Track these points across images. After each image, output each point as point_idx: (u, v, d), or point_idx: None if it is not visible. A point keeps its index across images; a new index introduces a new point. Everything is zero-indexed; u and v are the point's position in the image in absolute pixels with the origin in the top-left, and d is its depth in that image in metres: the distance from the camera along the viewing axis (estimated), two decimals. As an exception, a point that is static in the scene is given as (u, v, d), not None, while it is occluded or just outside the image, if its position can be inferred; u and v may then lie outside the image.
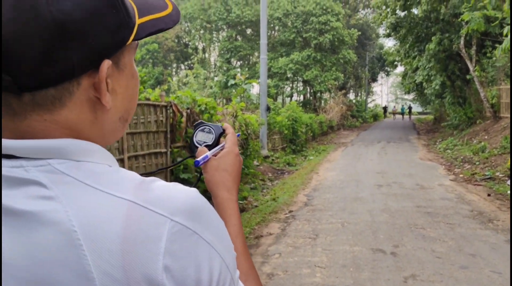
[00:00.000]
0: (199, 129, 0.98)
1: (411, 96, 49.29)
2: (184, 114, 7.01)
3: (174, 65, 56.92)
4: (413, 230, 6.26)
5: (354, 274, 4.65)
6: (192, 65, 40.90)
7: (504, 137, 13.98)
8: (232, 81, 15.37)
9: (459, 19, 12.91)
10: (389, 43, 74.47)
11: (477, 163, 12.66)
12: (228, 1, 42.95)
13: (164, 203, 0.58)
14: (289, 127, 18.21)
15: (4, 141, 0.56)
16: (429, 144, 20.73)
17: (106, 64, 0.60)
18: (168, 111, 6.55)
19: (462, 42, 18.60)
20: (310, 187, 9.79)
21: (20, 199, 0.54)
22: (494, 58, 16.74)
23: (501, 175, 10.33)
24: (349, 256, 5.17)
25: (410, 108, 50.83)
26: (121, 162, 5.42)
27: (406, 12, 21.94)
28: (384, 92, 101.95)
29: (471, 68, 18.52)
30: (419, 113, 64.94)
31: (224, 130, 0.98)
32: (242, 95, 14.91)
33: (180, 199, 0.59)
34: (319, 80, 35.42)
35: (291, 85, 41.79)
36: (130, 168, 5.60)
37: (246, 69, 39.16)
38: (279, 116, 18.18)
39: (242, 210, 7.65)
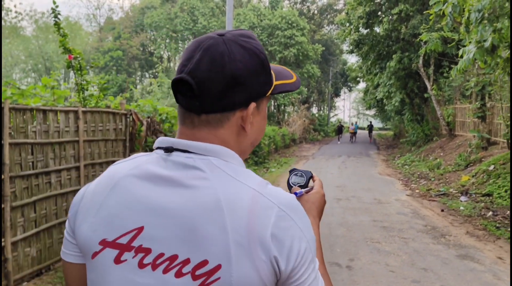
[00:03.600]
0: (293, 174, 1.31)
1: (372, 112, 50.24)
2: (145, 122, 6.91)
3: (139, 73, 56.25)
4: (369, 244, 6.36)
5: (309, 287, 4.66)
6: (156, 73, 40.46)
7: (459, 154, 14.46)
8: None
9: (418, 39, 13.34)
10: (352, 59, 76.10)
11: (433, 179, 13.03)
12: (195, 12, 42.93)
13: (275, 196, 0.86)
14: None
15: (184, 141, 0.89)
16: (388, 160, 21.19)
17: (252, 105, 0.92)
18: (128, 119, 6.45)
19: (421, 61, 19.20)
20: (270, 200, 9.78)
21: (189, 177, 0.85)
22: (450, 78, 17.35)
23: (454, 191, 10.66)
24: (305, 269, 5.19)
25: (370, 127, 39.48)
26: (76, 170, 5.28)
27: (368, 30, 22.54)
28: (347, 107, 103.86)
29: (428, 87, 19.13)
30: (380, 129, 66.38)
31: (312, 175, 1.30)
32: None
33: (284, 197, 0.87)
34: (283, 94, 35.73)
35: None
36: (86, 176, 5.48)
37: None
38: (242, 127, 18.18)
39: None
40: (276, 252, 0.81)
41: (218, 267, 0.79)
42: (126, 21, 54.32)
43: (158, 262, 0.82)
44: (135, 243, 0.83)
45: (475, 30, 8.35)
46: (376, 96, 26.67)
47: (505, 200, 8.86)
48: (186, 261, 0.81)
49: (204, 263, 0.80)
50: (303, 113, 35.45)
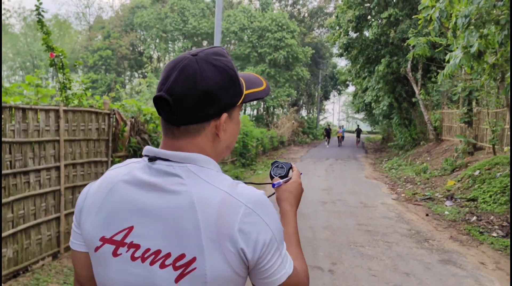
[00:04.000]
0: (275, 165, 1.46)
1: (361, 115, 50.42)
2: (128, 123, 6.83)
3: (128, 73, 55.85)
4: (352, 247, 6.34)
5: (291, 291, 4.62)
6: (146, 73, 40.27)
7: (445, 159, 14.53)
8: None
9: (406, 44, 13.39)
10: (342, 63, 76.40)
11: (419, 183, 13.07)
12: (185, 12, 42.77)
13: (243, 196, 0.99)
14: (239, 141, 18.21)
15: (165, 151, 1.03)
16: (375, 163, 21.25)
17: (224, 116, 1.05)
18: (111, 119, 6.36)
19: (409, 66, 19.30)
20: (255, 202, 9.73)
21: (169, 183, 0.99)
22: (438, 83, 17.46)
23: (440, 196, 10.69)
24: (288, 273, 5.14)
25: (358, 131, 36.48)
26: (57, 169, 5.19)
27: (358, 33, 22.61)
28: (336, 110, 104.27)
29: (416, 91, 19.23)
30: (368, 133, 66.65)
31: (291, 166, 1.44)
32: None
33: (252, 195, 1.00)
34: (272, 96, 35.75)
35: (245, 99, 41.89)
36: (67, 177, 5.38)
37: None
38: (230, 129, 18.11)
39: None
40: (243, 244, 0.95)
41: (194, 259, 0.94)
42: (116, 20, 53.97)
43: (146, 255, 0.97)
44: (128, 240, 0.99)
45: (462, 36, 8.39)
46: (365, 100, 26.76)
47: (489, 205, 8.90)
48: (168, 255, 0.96)
49: (182, 256, 0.95)
50: (292, 115, 35.45)
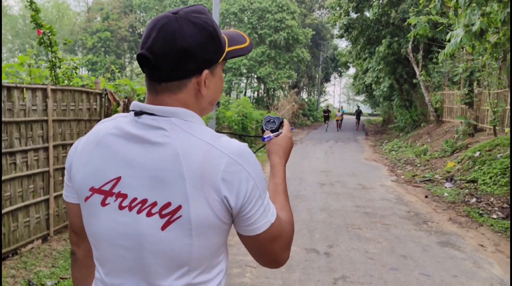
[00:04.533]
0: (267, 120, 1.48)
1: (362, 97, 50.07)
2: (121, 103, 6.67)
3: (128, 55, 55.41)
4: (350, 230, 6.23)
5: (285, 274, 4.53)
6: (144, 55, 39.76)
7: (445, 141, 14.38)
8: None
9: (406, 23, 13.14)
10: (343, 44, 75.66)
11: (419, 165, 12.95)
12: (185, -7, 42.21)
13: (225, 147, 1.02)
14: (238, 123, 18.05)
15: (150, 106, 1.05)
16: (375, 145, 21.11)
17: (205, 72, 1.08)
18: (103, 99, 6.21)
19: (410, 46, 19.02)
20: (253, 184, 9.63)
21: (154, 136, 1.02)
22: (439, 64, 17.20)
23: (439, 178, 10.58)
24: (282, 255, 5.04)
25: (358, 113, 35.30)
26: (45, 150, 5.05)
27: (358, 14, 22.26)
28: (337, 92, 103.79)
29: (417, 72, 18.98)
30: (369, 115, 66.35)
31: (282, 121, 1.48)
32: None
33: (234, 146, 1.03)
34: (272, 77, 35.47)
35: (245, 81, 41.65)
36: (56, 158, 5.26)
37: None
38: (229, 111, 17.98)
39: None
40: (226, 192, 0.99)
41: (179, 207, 0.98)
42: (115, 2, 53.33)
43: (133, 204, 1.01)
44: (115, 190, 1.03)
45: (464, 14, 8.18)
46: (365, 81, 26.47)
47: (489, 186, 8.79)
48: (154, 204, 1.00)
49: (168, 204, 0.99)
50: (292, 97, 35.19)
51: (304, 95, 54.11)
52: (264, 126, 1.47)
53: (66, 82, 5.95)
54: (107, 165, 1.05)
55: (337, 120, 31.92)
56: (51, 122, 5.02)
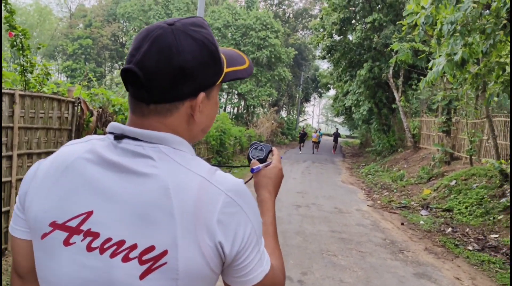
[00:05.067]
0: (254, 147, 1.32)
1: (340, 119, 50.44)
2: (95, 113, 6.41)
3: (109, 64, 54.84)
4: (325, 256, 6.05)
5: (256, 303, 4.30)
6: (125, 65, 39.41)
7: (422, 167, 14.43)
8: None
9: (389, 49, 13.22)
10: (324, 66, 76.38)
11: (395, 190, 12.92)
12: (170, 6, 42.21)
13: (222, 183, 0.88)
14: (216, 138, 17.83)
15: (134, 129, 0.90)
16: (352, 168, 21.12)
17: (202, 95, 0.93)
18: (76, 108, 5.94)
19: (390, 71, 19.21)
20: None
21: (138, 165, 0.86)
22: (418, 91, 17.39)
23: (415, 204, 10.53)
24: (254, 282, 4.82)
25: (336, 135, 32.59)
26: (8, 159, 4.76)
27: (341, 37, 22.44)
28: (316, 113, 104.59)
29: (397, 98, 19.14)
30: (347, 137, 66.87)
31: (271, 149, 1.32)
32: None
33: (232, 183, 0.89)
34: (253, 95, 35.47)
35: (225, 96, 41.54)
36: (20, 167, 4.96)
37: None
38: (207, 126, 17.75)
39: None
40: (222, 237, 0.84)
41: (165, 252, 0.81)
42: (98, 9, 52.97)
43: (106, 246, 0.83)
44: (84, 227, 0.84)
45: (446, 43, 8.22)
46: (345, 104, 26.63)
47: (465, 216, 8.75)
48: (133, 247, 0.82)
49: (151, 248, 0.82)
50: (271, 115, 35.19)
51: (283, 113, 54.25)
52: (250, 154, 1.32)
53: (38, 87, 5.67)
54: (76, 196, 0.86)
55: (313, 142, 30.04)
56: (16, 130, 4.74)
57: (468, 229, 8.03)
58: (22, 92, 4.81)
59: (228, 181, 0.89)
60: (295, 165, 19.88)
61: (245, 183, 1.46)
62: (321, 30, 23.21)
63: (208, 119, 1.00)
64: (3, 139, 4.64)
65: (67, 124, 5.78)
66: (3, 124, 4.57)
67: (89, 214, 0.85)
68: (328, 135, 57.89)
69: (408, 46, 11.97)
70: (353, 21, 21.98)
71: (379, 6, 20.75)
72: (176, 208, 0.82)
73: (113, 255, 0.83)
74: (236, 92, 38.14)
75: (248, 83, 35.09)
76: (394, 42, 13.51)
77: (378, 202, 11.30)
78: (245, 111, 39.51)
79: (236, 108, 42.34)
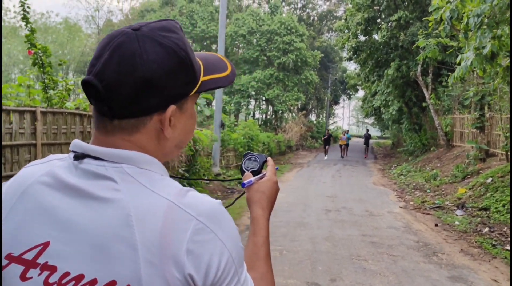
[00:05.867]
0: (247, 158, 1.22)
1: (371, 120, 49.78)
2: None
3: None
4: (355, 262, 5.89)
5: (283, 312, 4.21)
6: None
7: (456, 166, 14.01)
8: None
9: (415, 46, 12.94)
10: (352, 67, 75.65)
11: (428, 190, 12.57)
12: (194, 16, 42.61)
13: (193, 207, 0.78)
14: (244, 145, 17.84)
15: (96, 147, 0.81)
16: (384, 169, 20.74)
17: (171, 109, 0.83)
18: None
19: (419, 69, 18.80)
20: (256, 209, 9.33)
21: (99, 188, 0.77)
22: (449, 88, 16.94)
23: (450, 204, 10.20)
24: (281, 290, 4.73)
25: (367, 137, 28.87)
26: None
27: (367, 37, 22.15)
28: (346, 115, 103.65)
29: (427, 96, 18.70)
30: (378, 138, 65.92)
31: (266, 159, 1.21)
32: (196, 109, 14.45)
33: (205, 206, 0.79)
34: (280, 100, 35.37)
35: (254, 103, 41.61)
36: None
37: (209, 84, 38.73)
38: (235, 133, 17.79)
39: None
40: (192, 269, 0.75)
41: None
42: (125, 23, 54.04)
43: (63, 281, 0.75)
44: (41, 260, 0.77)
45: (474, 37, 7.97)
46: (374, 104, 26.22)
47: (503, 215, 8.40)
48: (93, 282, 0.75)
49: (112, 283, 0.74)
50: (300, 120, 35.03)
51: (312, 117, 53.93)
52: (243, 166, 1.22)
53: (60, 103, 5.77)
54: (31, 226, 0.79)
55: (340, 145, 26.90)
56: (39, 146, 4.81)
57: (506, 228, 7.70)
58: (44, 109, 4.88)
59: (200, 203, 0.80)
60: (325, 168, 19.66)
61: (236, 199, 1.35)
62: (346, 31, 22.94)
63: (183, 134, 0.91)
64: (26, 156, 4.71)
65: (89, 138, 5.84)
66: (26, 141, 4.64)
67: (46, 245, 0.77)
68: (359, 137, 57.06)
69: (435, 42, 11.66)
70: (378, 20, 21.65)
71: (404, 3, 20.38)
72: (138, 239, 0.74)
73: None
74: (263, 98, 38.12)
75: (275, 88, 35.05)
76: (421, 38, 13.18)
77: (411, 203, 11.01)
78: (273, 116, 39.45)
79: (264, 114, 42.32)
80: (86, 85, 0.79)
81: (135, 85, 0.78)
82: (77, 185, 0.79)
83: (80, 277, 0.75)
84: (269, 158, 1.23)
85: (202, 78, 0.90)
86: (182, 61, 0.84)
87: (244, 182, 1.13)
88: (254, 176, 1.17)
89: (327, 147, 26.80)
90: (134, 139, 0.83)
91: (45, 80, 5.26)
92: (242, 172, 1.20)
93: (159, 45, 0.81)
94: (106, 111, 0.81)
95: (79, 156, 0.81)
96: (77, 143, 0.84)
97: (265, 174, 1.16)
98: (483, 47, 7.53)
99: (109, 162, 0.80)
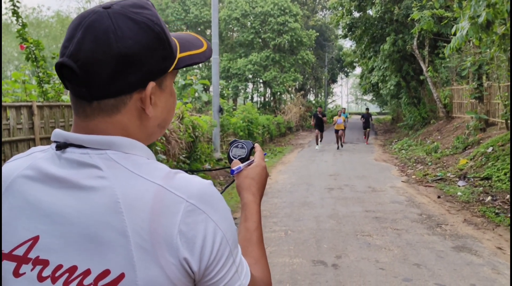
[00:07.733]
0: (234, 145, 1.21)
1: (369, 97, 49.62)
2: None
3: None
4: (359, 237, 5.93)
5: (290, 291, 4.25)
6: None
7: (456, 137, 14.01)
8: (182, 82, 14.78)
9: (410, 18, 12.82)
10: (348, 44, 75.15)
11: (430, 163, 12.60)
12: (186, 1, 42.17)
13: (183, 189, 0.77)
14: (244, 129, 17.82)
15: (78, 135, 0.79)
16: (385, 145, 20.75)
17: (151, 85, 0.82)
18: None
19: (415, 43, 18.68)
20: (259, 192, 9.36)
21: (84, 177, 0.76)
22: (446, 59, 16.85)
23: (452, 176, 10.23)
24: (288, 269, 4.76)
25: (367, 118, 22.04)
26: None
27: (361, 12, 21.94)
28: (344, 93, 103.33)
29: (424, 69, 18.62)
30: (378, 114, 65.78)
31: (254, 146, 1.21)
32: (194, 96, 14.41)
33: (195, 187, 0.78)
34: (278, 81, 35.20)
35: (251, 86, 41.45)
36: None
37: (206, 70, 38.60)
38: (234, 117, 17.76)
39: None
40: (186, 252, 0.74)
41: (122, 276, 0.73)
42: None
43: (57, 274, 0.75)
44: (32, 255, 0.76)
45: (469, 6, 7.89)
46: (371, 80, 26.11)
47: (505, 183, 8.43)
48: (87, 272, 0.74)
49: (106, 273, 0.73)
50: (299, 100, 34.93)
51: (311, 97, 53.74)
52: (231, 153, 1.21)
53: (56, 96, 5.74)
54: (19, 221, 0.78)
55: (336, 130, 19.77)
56: (38, 141, 4.81)
57: (508, 196, 7.73)
58: (40, 103, 4.87)
59: (190, 185, 0.78)
60: (326, 147, 19.67)
61: (227, 187, 1.35)
62: (340, 8, 22.73)
63: (165, 112, 0.90)
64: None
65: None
66: (24, 137, 4.64)
67: (35, 239, 0.76)
68: (358, 114, 56.83)
69: (429, 14, 11.55)
70: (372, -5, 21.44)
71: (397, -24, 20.16)
72: (129, 225, 0.73)
73: (66, 283, 0.74)
74: (261, 80, 37.94)
75: (272, 70, 34.86)
76: (415, 11, 13.06)
77: (413, 177, 11.04)
78: (271, 98, 39.33)
79: (262, 97, 42.20)
80: (61, 68, 0.78)
81: (112, 63, 0.76)
82: (61, 176, 0.77)
83: (73, 268, 0.74)
84: (256, 144, 1.23)
85: (179, 55, 0.89)
86: (158, 35, 0.82)
87: (233, 168, 1.13)
88: (242, 163, 1.16)
89: (319, 132, 19.50)
90: (115, 120, 0.81)
91: (40, 74, 5.24)
92: (230, 160, 1.20)
93: (132, 21, 0.80)
94: (84, 93, 0.78)
95: (62, 146, 0.80)
96: (58, 133, 0.82)
97: (253, 161, 1.16)
98: (478, 16, 7.47)
99: (92, 149, 0.79)
